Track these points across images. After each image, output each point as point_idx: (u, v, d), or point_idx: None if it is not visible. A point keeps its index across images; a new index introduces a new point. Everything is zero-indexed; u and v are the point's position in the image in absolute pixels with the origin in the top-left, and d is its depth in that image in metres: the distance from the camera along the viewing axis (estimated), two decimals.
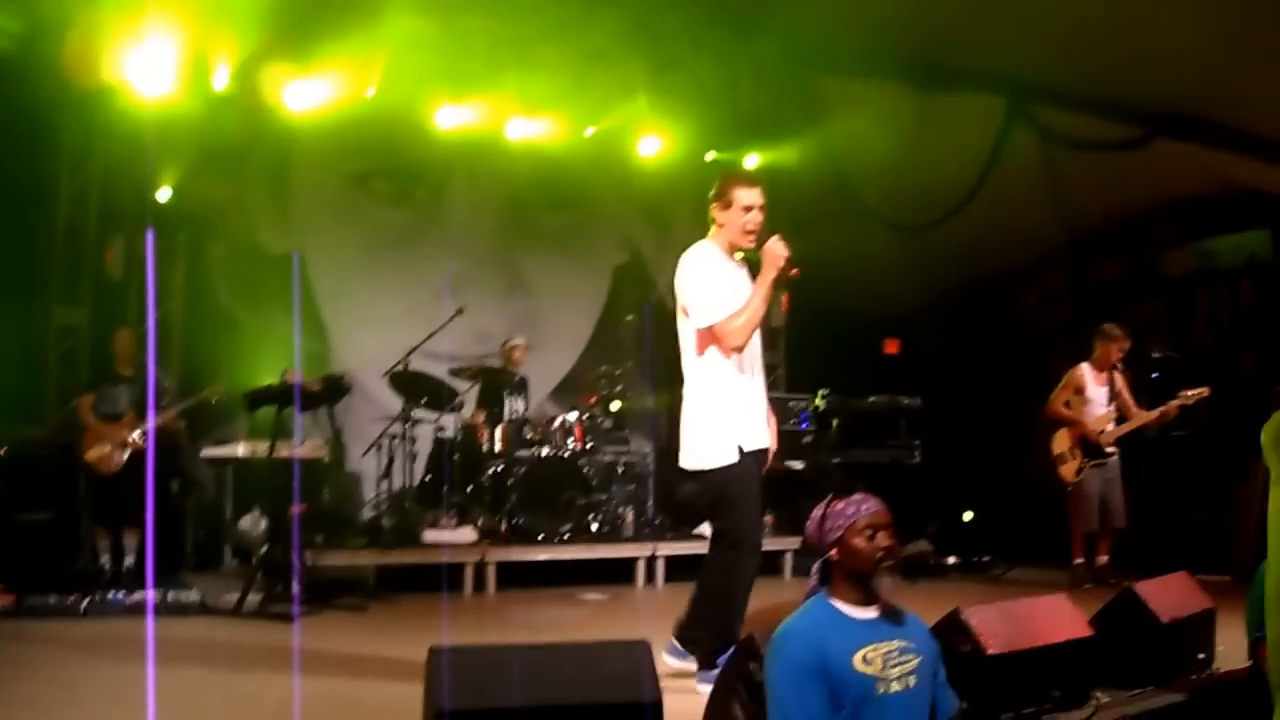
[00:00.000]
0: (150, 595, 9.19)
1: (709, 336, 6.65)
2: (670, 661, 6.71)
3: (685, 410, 6.89)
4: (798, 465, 12.95)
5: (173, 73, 11.33)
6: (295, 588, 9.18)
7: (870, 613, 4.29)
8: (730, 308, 6.57)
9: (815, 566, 4.44)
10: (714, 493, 6.71)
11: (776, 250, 6.51)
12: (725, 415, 6.66)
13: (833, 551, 4.33)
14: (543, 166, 14.25)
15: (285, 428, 10.63)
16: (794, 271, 6.49)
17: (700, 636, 6.72)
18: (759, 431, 6.78)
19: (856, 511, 4.33)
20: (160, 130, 11.31)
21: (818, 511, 4.45)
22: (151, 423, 10.31)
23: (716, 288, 6.65)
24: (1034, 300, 16.17)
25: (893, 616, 4.33)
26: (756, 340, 6.81)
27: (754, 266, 6.73)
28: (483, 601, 10.62)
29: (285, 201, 13.55)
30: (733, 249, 6.83)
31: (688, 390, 6.89)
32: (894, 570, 4.31)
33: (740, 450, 6.59)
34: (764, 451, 6.84)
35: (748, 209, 6.69)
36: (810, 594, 4.41)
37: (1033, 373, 13.65)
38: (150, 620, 8.77)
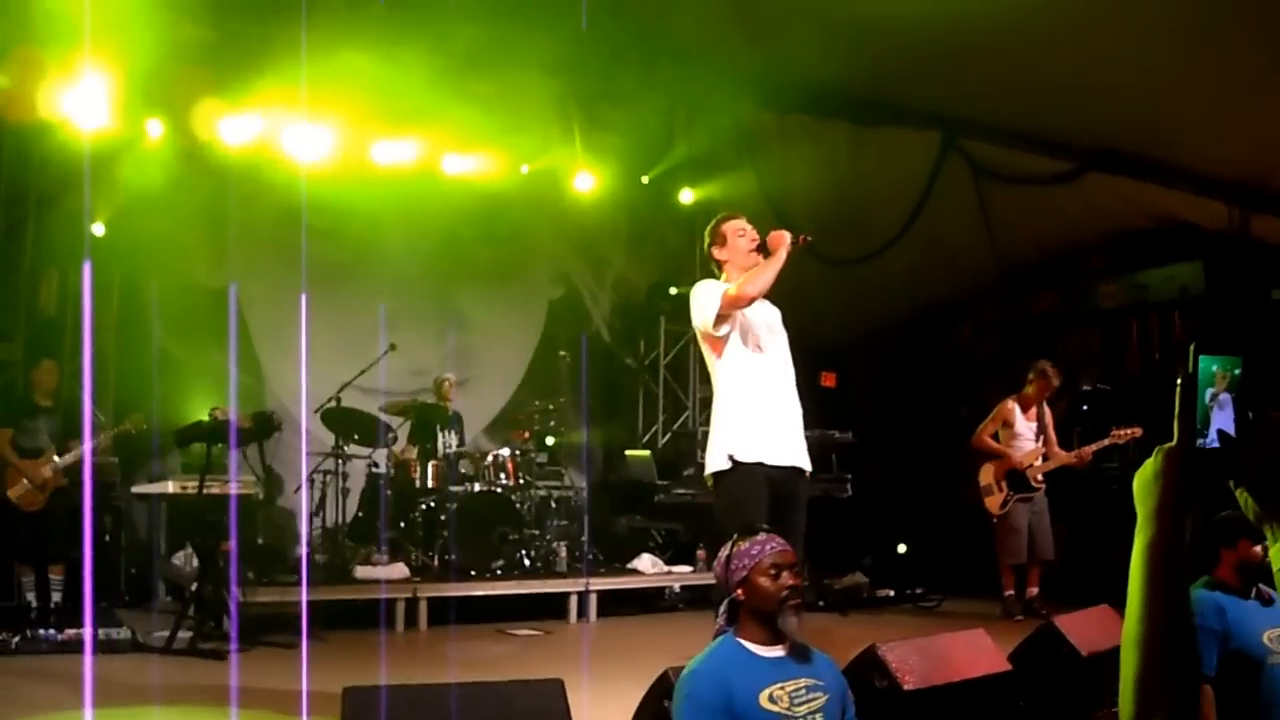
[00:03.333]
0: (82, 632, 9.09)
1: (720, 343, 6.58)
2: None
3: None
4: None
5: (108, 108, 11.28)
6: (231, 624, 9.15)
7: (777, 651, 4.30)
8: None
9: (722, 606, 4.45)
10: (715, 501, 6.62)
11: (781, 234, 6.50)
12: (727, 423, 6.56)
13: (739, 591, 4.34)
14: (478, 202, 14.20)
15: (216, 464, 10.57)
16: (804, 238, 6.48)
17: None
18: (774, 446, 6.53)
19: (761, 551, 4.35)
20: (96, 165, 11.24)
21: (723, 552, 4.46)
22: (89, 453, 10.24)
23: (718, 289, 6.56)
24: (968, 332, 16.24)
25: (800, 654, 4.34)
26: (781, 359, 6.73)
27: None
28: (415, 637, 10.56)
29: (221, 237, 13.47)
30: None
31: (713, 412, 6.75)
32: (799, 609, 4.32)
33: (742, 460, 6.42)
34: (791, 470, 6.57)
35: (741, 233, 6.71)
36: (718, 633, 4.41)
37: (966, 404, 13.72)
38: (83, 657, 8.69)
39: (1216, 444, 1.96)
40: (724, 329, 6.49)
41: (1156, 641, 1.80)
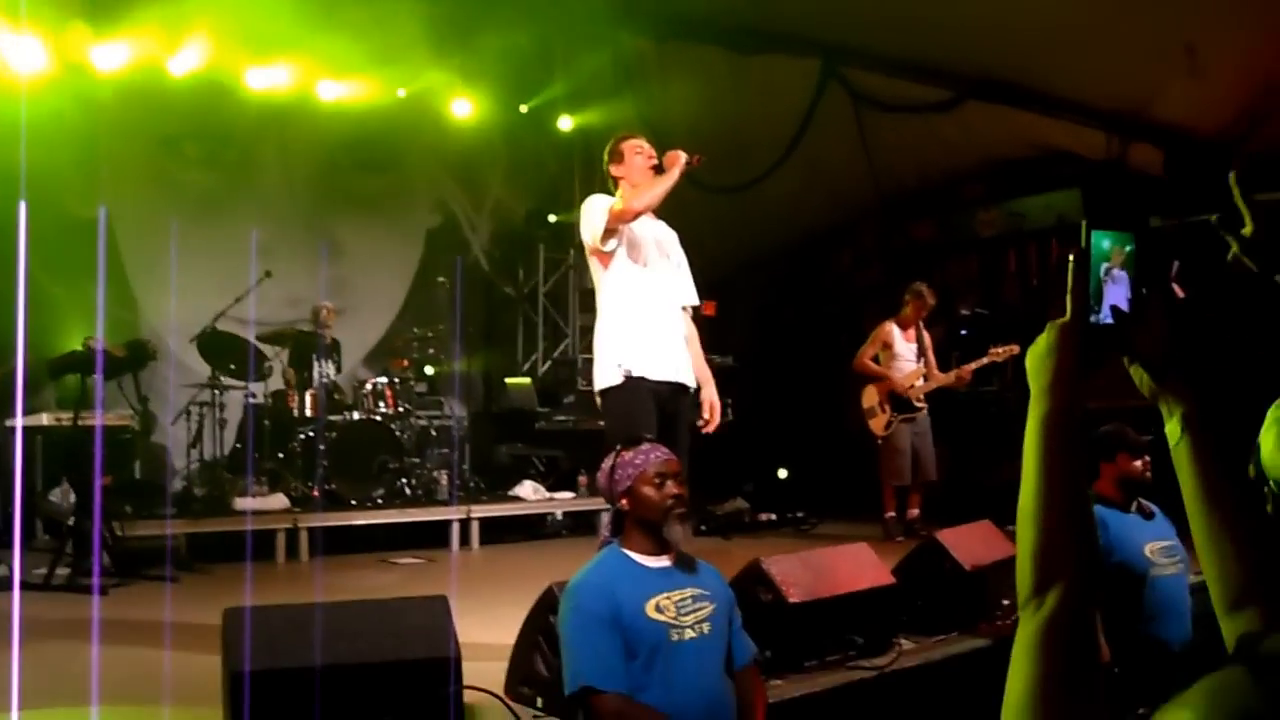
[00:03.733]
0: None
1: (606, 257, 6.57)
2: None
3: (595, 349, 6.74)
4: None
5: None
6: (99, 559, 8.99)
7: (663, 561, 4.29)
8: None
9: (607, 517, 4.42)
10: (604, 416, 6.62)
11: (676, 154, 6.49)
12: (615, 338, 6.55)
13: (623, 501, 4.31)
14: (354, 129, 14.03)
15: (89, 397, 10.39)
16: (697, 159, 6.45)
17: None
18: (663, 363, 6.53)
19: (645, 460, 4.32)
20: None
21: (607, 462, 4.43)
22: None
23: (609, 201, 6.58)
24: (848, 260, 16.33)
25: (685, 565, 4.33)
26: (668, 278, 6.72)
27: None
28: (296, 568, 10.46)
29: (92, 166, 13.19)
30: None
31: (596, 328, 6.73)
32: (684, 518, 4.30)
33: (627, 374, 6.41)
34: (674, 385, 6.55)
35: (638, 151, 6.69)
36: (603, 544, 4.39)
37: (847, 331, 13.79)
38: None
39: (1110, 319, 1.94)
40: (610, 244, 6.47)
41: (1054, 513, 1.78)
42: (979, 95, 12.83)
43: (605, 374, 6.45)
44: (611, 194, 6.70)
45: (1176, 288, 2.07)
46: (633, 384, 6.38)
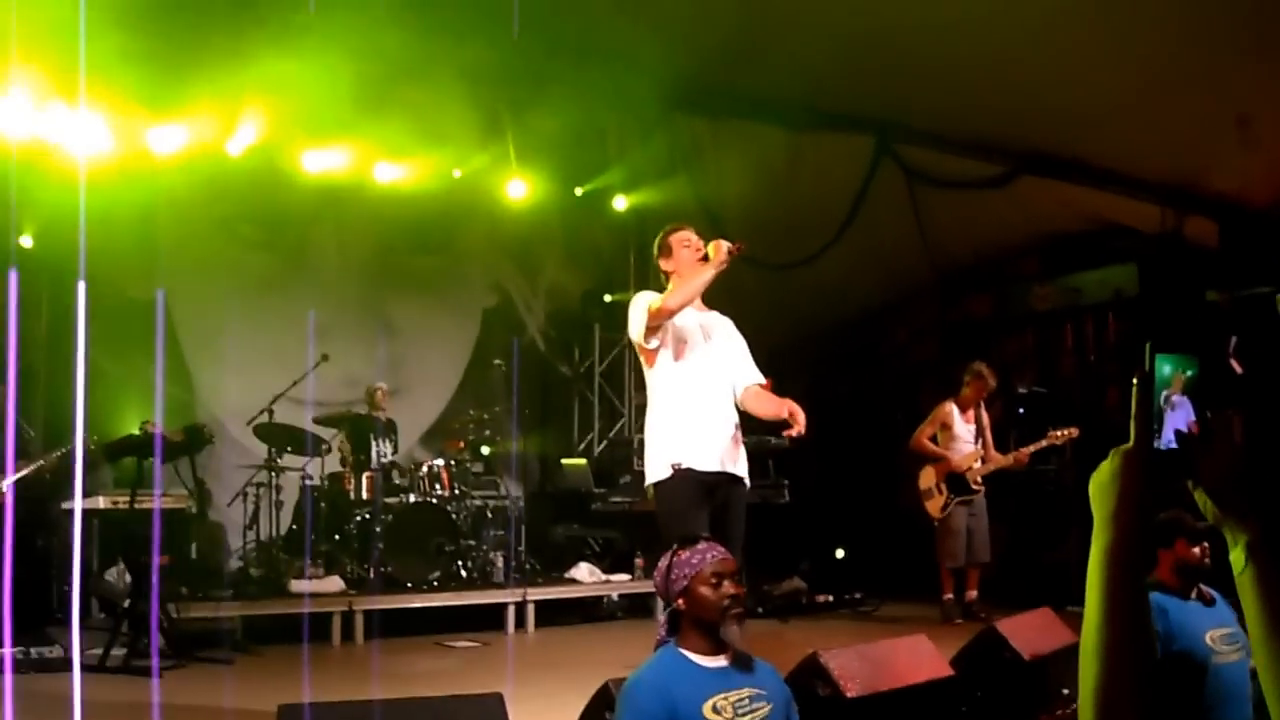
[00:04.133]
0: (14, 651, 8.94)
1: (651, 354, 6.68)
2: None
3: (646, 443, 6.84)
4: None
5: (35, 118, 11.12)
6: (155, 640, 9.01)
7: (720, 661, 4.25)
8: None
9: (664, 616, 4.40)
10: (656, 511, 6.63)
11: (718, 244, 6.53)
12: (663, 432, 6.63)
13: (679, 601, 4.29)
14: (410, 210, 14.08)
15: (147, 479, 10.43)
16: (739, 247, 6.49)
17: None
18: (707, 454, 6.56)
19: (702, 560, 4.30)
20: (23, 175, 11.09)
21: (663, 562, 4.41)
22: (10, 474, 10.06)
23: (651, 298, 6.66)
24: (903, 336, 16.31)
25: (742, 664, 4.30)
26: (718, 367, 6.76)
27: None
28: (351, 651, 10.45)
29: (151, 248, 13.30)
30: None
31: (646, 422, 6.85)
32: (741, 618, 4.28)
33: (674, 468, 6.46)
34: (725, 476, 6.59)
35: (686, 244, 6.79)
36: (659, 644, 4.36)
37: (903, 408, 13.75)
38: (11, 676, 8.56)
39: (1174, 444, 1.91)
40: (654, 341, 6.57)
41: (1117, 649, 1.75)
42: (1032, 170, 12.85)
43: (655, 468, 6.56)
44: (663, 287, 6.73)
45: (1235, 363, 2.05)
46: (682, 476, 6.46)
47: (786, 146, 13.12)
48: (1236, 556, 1.84)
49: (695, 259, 6.66)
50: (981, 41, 10.59)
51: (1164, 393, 1.93)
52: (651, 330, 6.51)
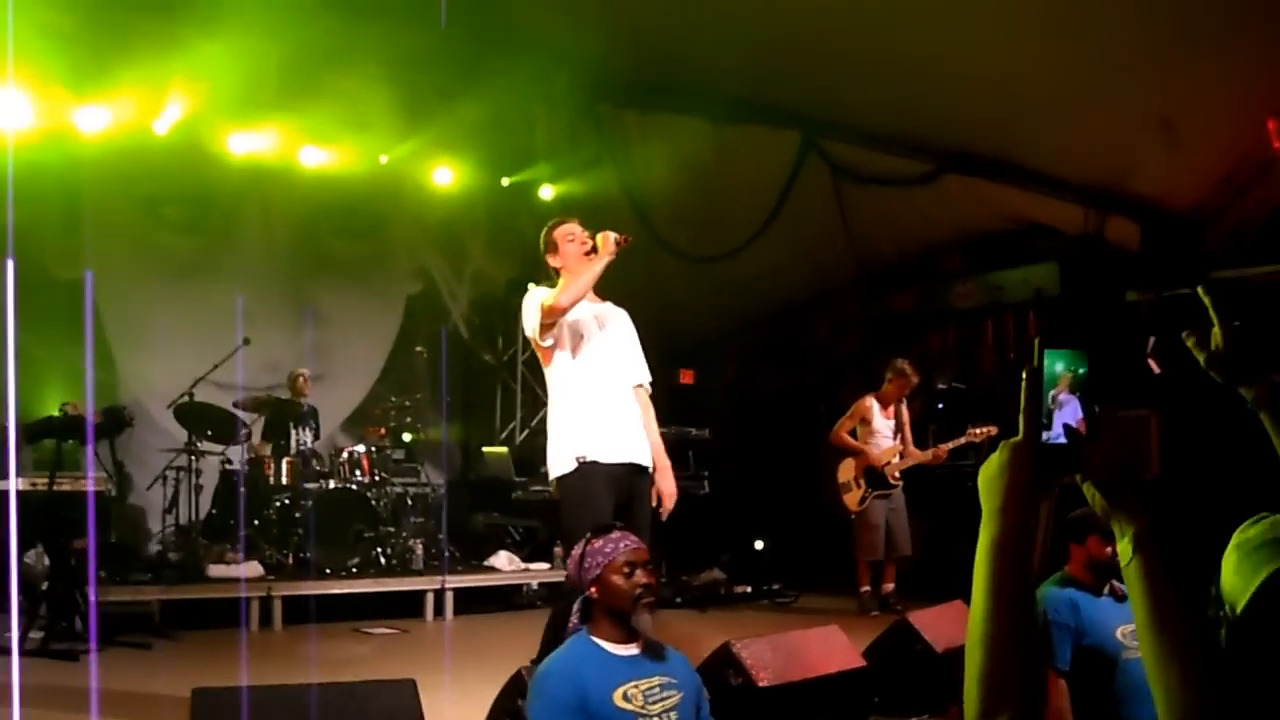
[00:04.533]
0: None
1: (548, 351, 6.64)
2: None
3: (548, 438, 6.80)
4: None
5: None
6: (85, 623, 8.99)
7: (631, 649, 4.28)
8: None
9: (576, 605, 4.42)
10: (560, 504, 6.55)
11: (609, 235, 6.47)
12: (565, 426, 6.58)
13: (592, 589, 4.31)
14: (336, 195, 14.09)
15: (67, 460, 10.35)
16: (625, 239, 6.47)
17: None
18: (616, 445, 6.53)
19: (615, 549, 4.33)
20: None
21: (577, 550, 4.44)
22: None
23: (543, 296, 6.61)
24: (826, 330, 16.37)
25: (654, 652, 4.33)
26: (616, 359, 6.73)
27: None
28: (270, 637, 10.40)
29: (75, 228, 13.20)
30: None
31: (549, 418, 6.78)
32: (653, 606, 4.31)
33: (579, 460, 6.41)
34: (630, 466, 6.55)
35: (571, 238, 6.69)
36: (571, 632, 4.38)
37: (825, 401, 13.81)
38: None
39: (1062, 439, 1.95)
40: (549, 339, 6.53)
41: (1001, 640, 1.79)
42: (957, 168, 12.96)
43: (559, 462, 6.49)
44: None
45: (1153, 363, 2.08)
46: (587, 469, 6.40)
47: (713, 139, 13.16)
48: (1124, 548, 1.87)
49: (581, 253, 6.61)
50: (907, 39, 10.68)
51: (1051, 392, 1.96)
52: (546, 328, 6.48)
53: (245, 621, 10.46)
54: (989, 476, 1.93)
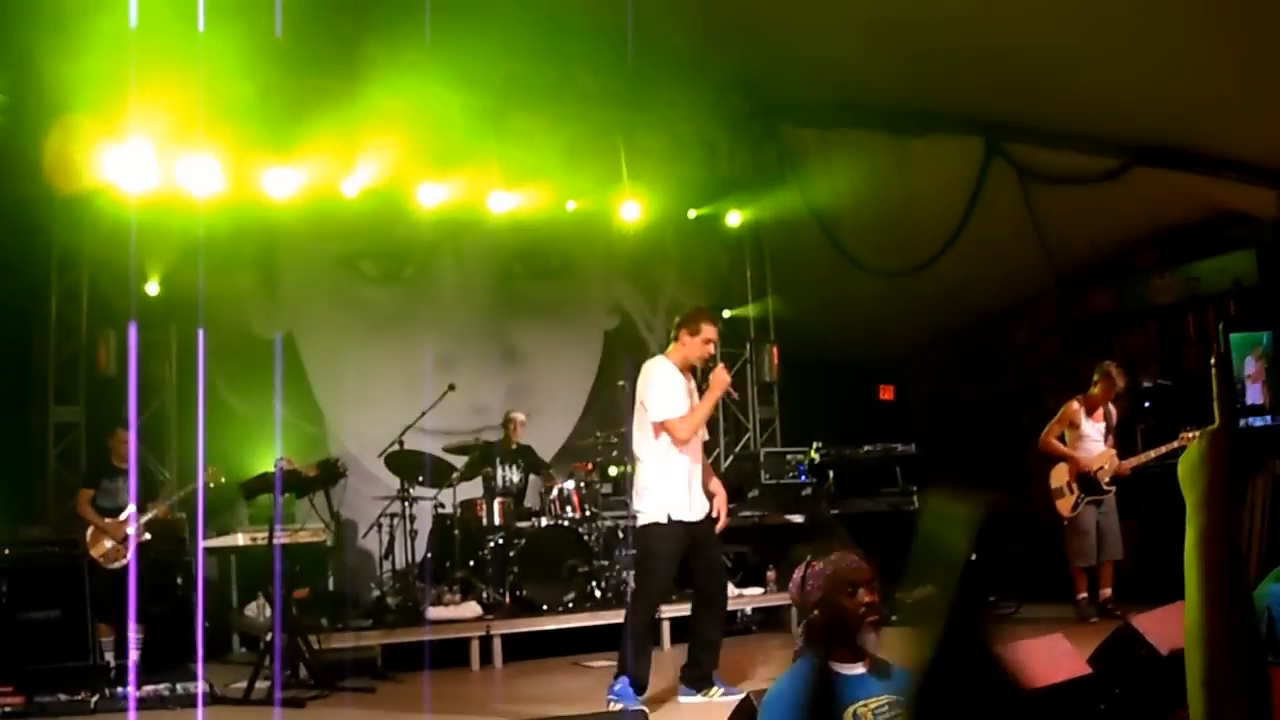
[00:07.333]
0: (160, 688, 9.12)
1: (661, 427, 8.19)
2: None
3: (636, 481, 8.53)
4: (797, 518, 12.89)
5: (154, 168, 11.34)
6: (297, 672, 9.22)
7: (858, 668, 4.30)
8: (681, 410, 8.22)
9: (800, 626, 4.45)
10: (640, 546, 8.45)
11: (722, 378, 8.31)
12: (662, 486, 8.22)
13: (816, 611, 4.34)
14: (527, 237, 14.29)
15: (287, 514, 10.63)
16: (733, 394, 8.52)
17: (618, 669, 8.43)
18: (693, 505, 8.31)
19: (837, 569, 4.35)
20: (145, 225, 11.31)
21: (798, 573, 4.46)
22: (134, 515, 10.32)
23: (672, 393, 8.25)
24: (1025, 335, 16.18)
25: (880, 670, 4.33)
26: (700, 434, 8.49)
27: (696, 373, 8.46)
28: (490, 675, 10.57)
29: (273, 288, 13.55)
30: (685, 364, 8.38)
31: (640, 466, 8.44)
32: (878, 625, 4.32)
33: (669, 518, 8.12)
34: (700, 520, 8.38)
35: (708, 341, 8.34)
36: (798, 654, 4.41)
37: (1027, 408, 13.66)
38: (163, 713, 8.75)
39: (1260, 421, 1.94)
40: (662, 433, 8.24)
41: (1219, 638, 1.77)
42: (1146, 161, 12.76)
43: (653, 512, 8.24)
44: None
45: None
46: (671, 526, 8.16)
47: (895, 151, 13.13)
48: None
49: (704, 354, 8.35)
50: (1088, 33, 10.56)
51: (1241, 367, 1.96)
52: (657, 426, 8.19)
53: (466, 661, 10.65)
54: (1189, 468, 1.91)
